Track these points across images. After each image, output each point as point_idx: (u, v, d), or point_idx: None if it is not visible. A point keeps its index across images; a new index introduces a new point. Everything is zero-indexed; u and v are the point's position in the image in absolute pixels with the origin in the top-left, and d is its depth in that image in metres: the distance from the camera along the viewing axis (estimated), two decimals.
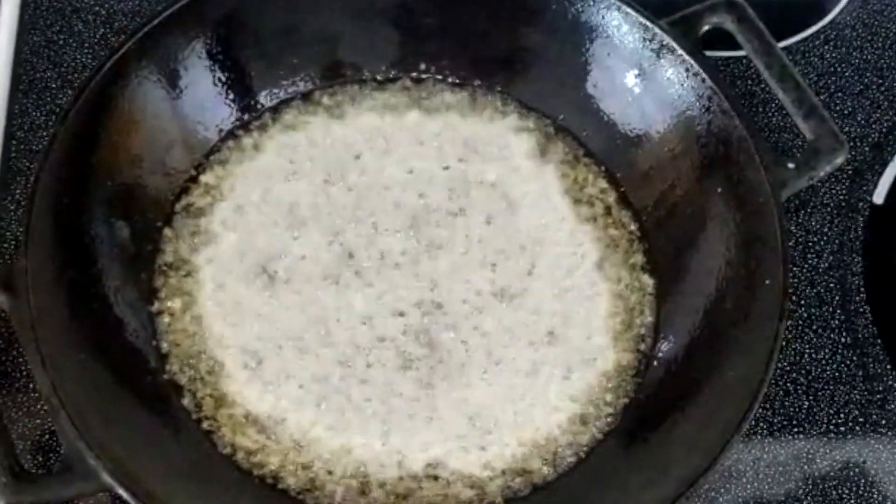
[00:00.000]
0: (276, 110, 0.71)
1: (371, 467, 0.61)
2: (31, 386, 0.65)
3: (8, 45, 0.74)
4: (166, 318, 0.64)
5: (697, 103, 0.66)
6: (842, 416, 0.67)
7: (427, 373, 0.64)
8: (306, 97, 0.71)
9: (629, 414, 0.63)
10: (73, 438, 0.54)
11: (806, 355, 0.68)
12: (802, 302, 0.70)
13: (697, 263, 0.65)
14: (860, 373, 0.68)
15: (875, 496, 0.65)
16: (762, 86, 0.74)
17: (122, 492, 0.54)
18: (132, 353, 0.62)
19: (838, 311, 0.69)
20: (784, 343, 0.59)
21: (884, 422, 0.67)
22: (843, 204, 0.73)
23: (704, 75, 0.65)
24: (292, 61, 0.71)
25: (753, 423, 0.65)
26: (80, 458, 0.54)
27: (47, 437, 0.64)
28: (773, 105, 0.74)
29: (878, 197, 0.73)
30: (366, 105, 0.71)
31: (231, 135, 0.70)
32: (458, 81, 0.72)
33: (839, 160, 0.63)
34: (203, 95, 0.68)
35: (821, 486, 0.65)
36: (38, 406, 0.64)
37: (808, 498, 0.65)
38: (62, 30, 0.76)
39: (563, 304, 0.66)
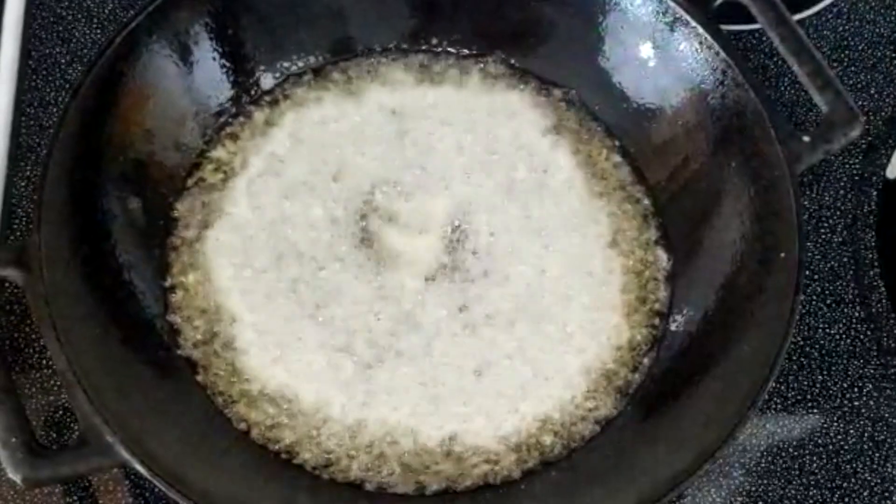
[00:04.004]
0: (287, 86, 0.70)
1: (386, 443, 0.61)
2: (45, 362, 0.65)
3: (17, 21, 0.74)
4: (180, 294, 0.64)
5: (711, 76, 0.65)
6: (855, 390, 0.67)
7: (442, 349, 0.64)
8: (317, 72, 0.71)
9: (644, 389, 0.63)
10: (90, 413, 0.54)
11: (820, 330, 0.68)
12: (816, 276, 0.69)
13: (712, 238, 0.65)
14: (874, 347, 0.68)
15: (889, 470, 0.65)
16: (776, 59, 0.74)
17: (138, 466, 0.54)
18: (146, 329, 0.62)
19: (852, 285, 0.69)
20: (798, 317, 0.59)
21: None
22: (857, 178, 0.72)
23: (718, 48, 0.65)
24: (302, 36, 0.70)
25: (767, 397, 0.65)
26: (97, 433, 0.54)
27: (61, 413, 0.64)
28: (788, 78, 0.74)
29: (892, 171, 0.72)
30: (377, 80, 0.71)
31: (243, 110, 0.69)
32: (470, 56, 0.72)
33: (855, 133, 0.63)
34: (214, 70, 0.68)
35: (835, 461, 0.65)
36: (52, 382, 0.64)
37: (822, 472, 0.65)
38: (71, 5, 0.75)
39: (578, 279, 0.66)
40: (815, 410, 0.66)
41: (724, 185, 0.65)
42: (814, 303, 0.69)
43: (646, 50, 0.68)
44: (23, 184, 0.70)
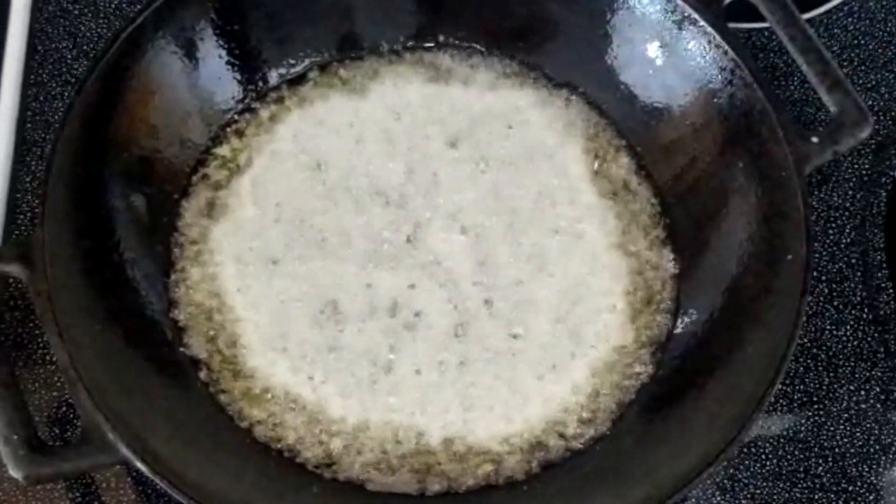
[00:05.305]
0: (292, 82, 0.70)
1: (389, 442, 0.61)
2: (48, 358, 0.65)
3: (23, 15, 0.74)
4: (183, 291, 0.64)
5: (720, 76, 0.65)
6: (862, 392, 0.66)
7: (446, 349, 0.63)
8: (323, 69, 0.71)
9: (649, 390, 0.63)
10: (91, 411, 0.54)
11: (827, 331, 0.68)
12: (824, 277, 0.69)
13: (718, 238, 0.65)
14: (881, 349, 0.67)
15: (895, 473, 0.64)
16: (785, 58, 0.73)
17: (139, 464, 0.54)
18: (149, 326, 0.62)
19: (860, 286, 0.69)
20: (805, 319, 0.59)
21: None
22: (866, 178, 0.72)
23: (727, 47, 0.65)
24: (308, 33, 0.70)
25: (773, 399, 0.64)
26: (98, 430, 0.54)
27: (64, 409, 0.64)
28: (797, 78, 0.73)
29: None
30: (383, 78, 0.71)
31: (248, 107, 0.69)
32: (477, 53, 0.71)
33: (863, 134, 0.62)
34: (219, 66, 0.68)
35: (840, 464, 0.65)
36: (56, 378, 0.64)
37: (828, 475, 0.64)
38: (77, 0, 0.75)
39: (584, 278, 0.66)
40: (822, 413, 0.66)
41: (731, 185, 0.65)
42: (821, 304, 0.68)
43: (653, 49, 0.68)
44: (27, 179, 0.70)
